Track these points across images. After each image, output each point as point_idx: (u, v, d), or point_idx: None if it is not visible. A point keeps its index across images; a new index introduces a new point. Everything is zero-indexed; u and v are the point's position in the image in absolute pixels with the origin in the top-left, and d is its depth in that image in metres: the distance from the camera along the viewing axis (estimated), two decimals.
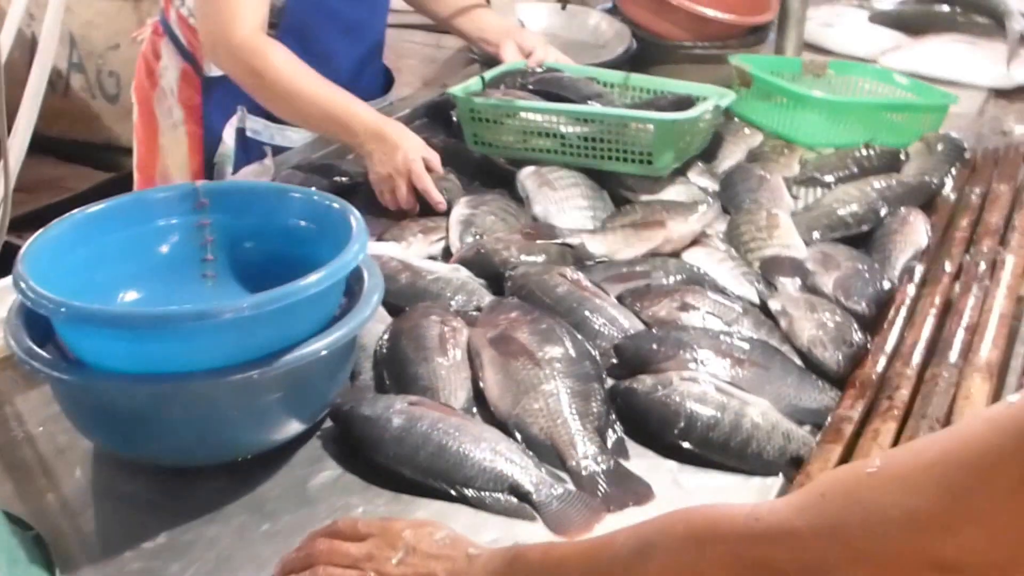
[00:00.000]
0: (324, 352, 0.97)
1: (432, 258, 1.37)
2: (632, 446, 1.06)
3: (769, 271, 1.33)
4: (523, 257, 1.31)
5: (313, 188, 1.27)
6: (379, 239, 1.38)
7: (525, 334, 1.13)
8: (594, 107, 1.60)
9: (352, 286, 1.08)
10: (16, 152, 1.04)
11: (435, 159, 1.52)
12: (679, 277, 1.29)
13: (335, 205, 1.09)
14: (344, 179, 1.58)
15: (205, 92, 1.76)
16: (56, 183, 3.11)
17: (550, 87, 1.69)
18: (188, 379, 0.93)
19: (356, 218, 1.06)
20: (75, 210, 1.06)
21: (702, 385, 1.08)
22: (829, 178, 1.58)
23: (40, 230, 1.02)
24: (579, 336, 1.15)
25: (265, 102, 1.59)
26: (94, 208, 1.08)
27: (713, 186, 1.57)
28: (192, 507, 0.98)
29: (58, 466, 1.05)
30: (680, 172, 1.59)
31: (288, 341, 0.96)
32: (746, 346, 1.15)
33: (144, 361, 0.93)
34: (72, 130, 3.30)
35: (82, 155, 3.32)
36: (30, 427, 1.09)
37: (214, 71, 1.71)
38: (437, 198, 1.48)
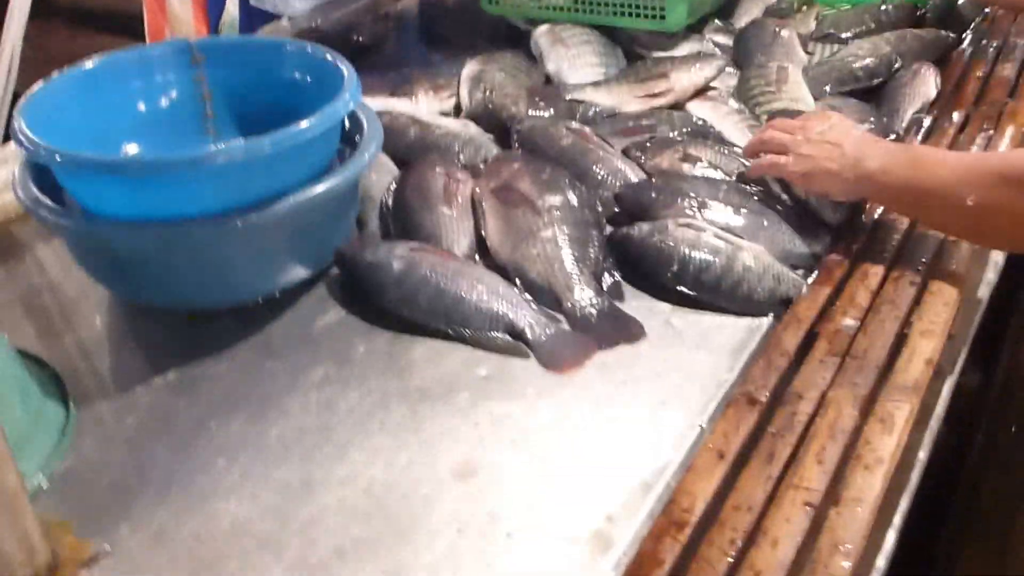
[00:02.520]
0: (320, 196, 0.95)
1: (444, 115, 1.33)
2: (629, 290, 1.04)
3: None
4: (530, 111, 1.26)
5: None
6: (391, 96, 1.34)
7: (526, 183, 1.09)
8: None
9: (352, 137, 1.05)
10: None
11: None
12: (684, 130, 1.24)
13: (328, 57, 1.06)
14: (360, 39, 1.54)
15: None
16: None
17: None
18: (187, 224, 0.91)
19: (348, 68, 1.02)
20: (72, 64, 1.04)
21: (697, 230, 1.04)
22: (846, 34, 1.49)
23: (36, 85, 0.99)
24: (580, 185, 1.11)
25: None
26: (90, 63, 1.05)
27: (729, 43, 1.49)
28: (202, 348, 0.98)
29: (77, 311, 1.05)
30: (695, 29, 1.52)
31: (286, 187, 0.94)
32: (743, 194, 1.10)
33: (142, 207, 0.91)
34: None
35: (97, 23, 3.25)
36: (52, 275, 1.10)
37: None
38: None
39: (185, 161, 0.87)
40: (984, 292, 1.04)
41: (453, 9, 1.52)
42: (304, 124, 0.92)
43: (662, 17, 1.44)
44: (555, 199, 1.07)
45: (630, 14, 1.46)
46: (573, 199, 1.08)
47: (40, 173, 0.97)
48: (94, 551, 0.78)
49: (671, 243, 1.02)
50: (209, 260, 0.95)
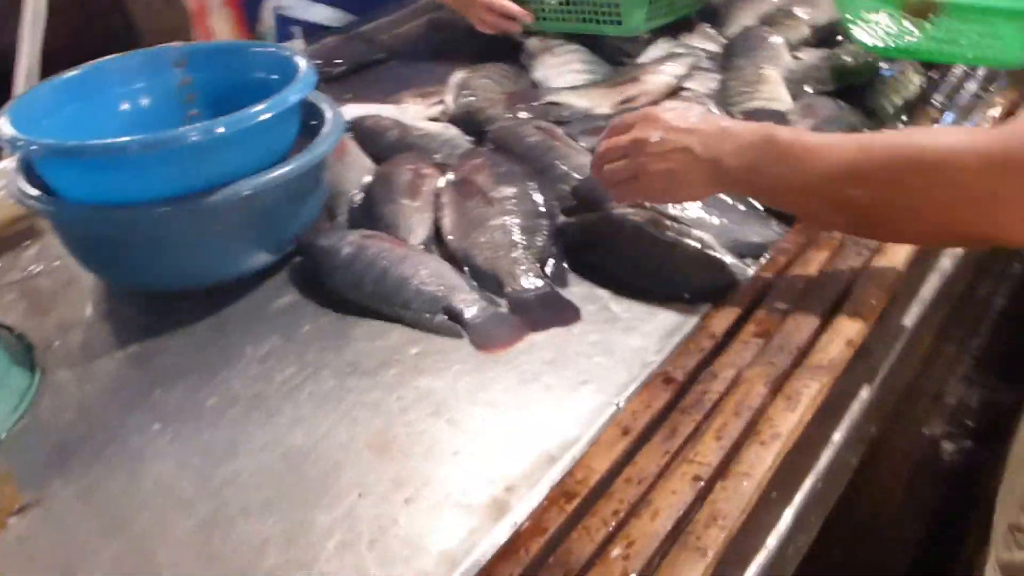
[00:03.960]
0: (274, 181, 0.97)
1: (431, 120, 1.35)
2: (574, 277, 1.02)
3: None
4: (507, 114, 1.27)
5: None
6: (382, 103, 1.37)
7: (483, 176, 1.10)
8: None
9: (317, 131, 1.07)
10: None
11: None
12: None
13: (290, 56, 1.09)
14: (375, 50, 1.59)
15: None
16: None
17: None
18: (146, 206, 0.95)
19: (306, 63, 1.05)
20: (56, 75, 1.09)
21: (642, 218, 1.03)
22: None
23: (20, 93, 1.05)
24: (536, 178, 1.11)
25: None
26: (77, 70, 1.10)
27: (719, 50, 1.48)
28: (164, 325, 1.01)
29: (66, 294, 1.10)
30: (680, 34, 1.52)
31: (240, 173, 0.96)
32: None
33: (104, 191, 0.95)
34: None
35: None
36: (48, 261, 1.15)
37: None
38: (514, 9, 1.49)
39: (134, 144, 0.91)
40: (935, 280, 1.00)
41: (447, 22, 1.55)
42: (254, 109, 0.95)
43: (619, 23, 1.45)
44: (508, 190, 1.08)
45: (593, 20, 1.47)
46: (526, 190, 1.08)
47: (30, 167, 1.03)
48: (25, 502, 0.81)
49: (614, 230, 1.01)
50: (165, 243, 0.98)
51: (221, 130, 0.92)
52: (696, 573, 0.67)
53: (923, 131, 0.83)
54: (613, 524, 0.72)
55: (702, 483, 0.74)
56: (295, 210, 1.05)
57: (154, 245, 0.99)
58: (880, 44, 1.23)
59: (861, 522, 1.23)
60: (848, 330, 0.88)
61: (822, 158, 0.83)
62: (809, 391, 0.81)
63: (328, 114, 1.08)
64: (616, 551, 0.69)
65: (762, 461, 0.74)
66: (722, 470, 0.75)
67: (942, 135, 0.81)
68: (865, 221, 0.84)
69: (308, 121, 1.09)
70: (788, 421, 0.78)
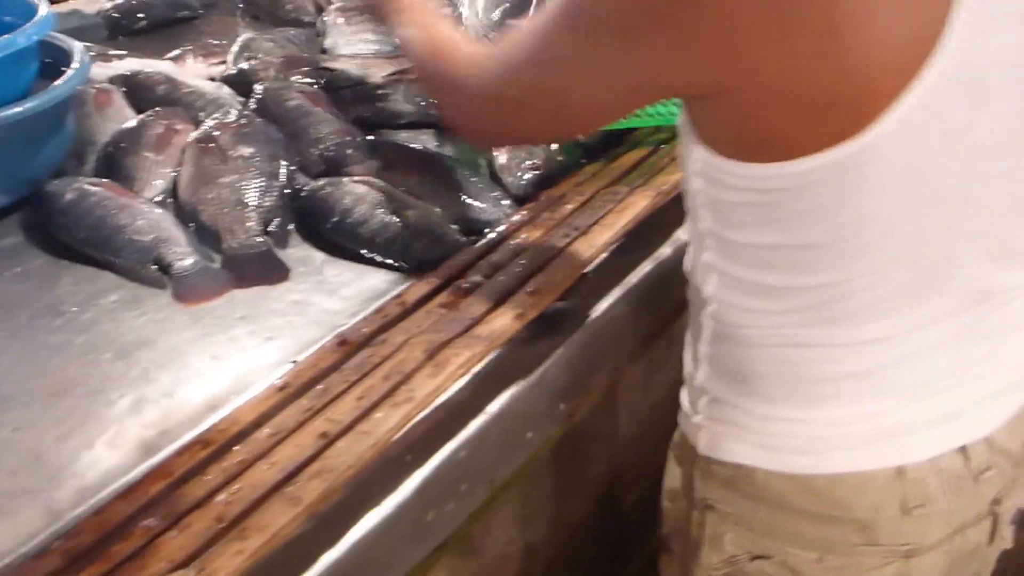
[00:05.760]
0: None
1: (210, 79, 1.35)
2: (297, 240, 1.04)
3: None
4: (281, 77, 1.28)
5: None
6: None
7: (226, 135, 1.11)
8: None
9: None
10: None
11: None
12: (419, 101, 1.24)
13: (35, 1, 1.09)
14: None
15: None
16: None
17: None
18: None
19: (46, 8, 1.06)
20: None
21: (370, 188, 1.05)
22: None
23: None
24: (286, 142, 1.13)
25: None
26: None
27: None
28: None
29: None
30: None
31: None
32: (435, 159, 1.12)
33: None
34: None
35: None
36: None
37: None
38: None
39: None
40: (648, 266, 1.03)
41: None
42: None
43: None
44: (247, 150, 1.09)
45: None
46: (268, 152, 1.09)
47: None
48: None
49: (336, 196, 1.03)
50: None
51: None
52: (285, 519, 0.69)
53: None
54: (233, 473, 0.74)
55: (326, 439, 0.76)
56: (29, 153, 1.05)
57: None
58: None
59: None
60: (522, 305, 0.91)
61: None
62: (458, 359, 0.84)
63: (75, 62, 1.07)
64: (222, 496, 0.72)
65: (386, 421, 0.77)
66: (349, 428, 0.77)
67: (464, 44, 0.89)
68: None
69: (60, 68, 1.09)
70: (426, 386, 0.81)
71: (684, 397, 0.84)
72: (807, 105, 0.63)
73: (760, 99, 0.64)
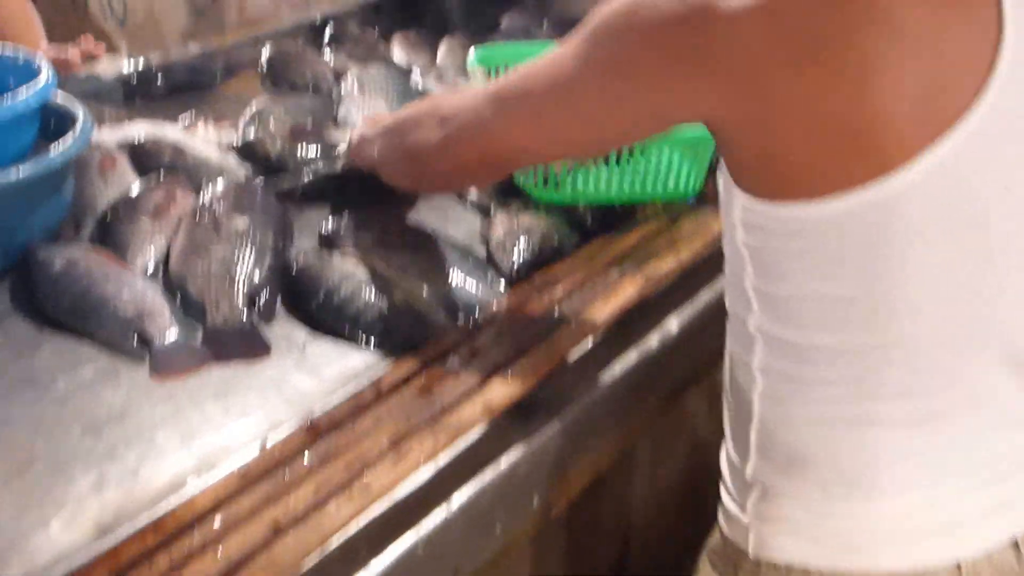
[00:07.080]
0: None
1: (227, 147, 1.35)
2: (284, 315, 1.03)
3: None
4: (288, 148, 1.28)
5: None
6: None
7: (223, 206, 1.11)
8: None
9: None
10: None
11: None
12: None
13: (37, 64, 1.10)
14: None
15: None
16: None
17: None
18: None
19: (46, 71, 1.07)
20: None
21: (359, 263, 1.04)
22: None
23: None
24: (278, 212, 1.12)
25: None
26: None
27: None
28: None
29: None
30: None
31: None
32: (420, 235, 1.11)
33: None
34: None
35: None
36: None
37: None
38: None
39: None
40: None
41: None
42: None
43: None
44: (242, 221, 1.08)
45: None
46: (260, 224, 1.09)
47: None
48: None
49: (324, 272, 1.02)
50: None
51: None
52: None
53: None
54: (178, 562, 0.72)
55: (277, 530, 0.74)
56: (23, 218, 1.05)
57: None
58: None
59: None
60: (498, 392, 0.88)
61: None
62: (423, 448, 0.81)
63: (77, 128, 1.08)
64: None
65: (340, 513, 0.75)
66: (302, 518, 0.75)
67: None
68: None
69: (64, 131, 1.10)
70: (384, 476, 0.78)
71: (727, 497, 0.82)
72: (829, 139, 0.64)
73: (783, 130, 0.65)
